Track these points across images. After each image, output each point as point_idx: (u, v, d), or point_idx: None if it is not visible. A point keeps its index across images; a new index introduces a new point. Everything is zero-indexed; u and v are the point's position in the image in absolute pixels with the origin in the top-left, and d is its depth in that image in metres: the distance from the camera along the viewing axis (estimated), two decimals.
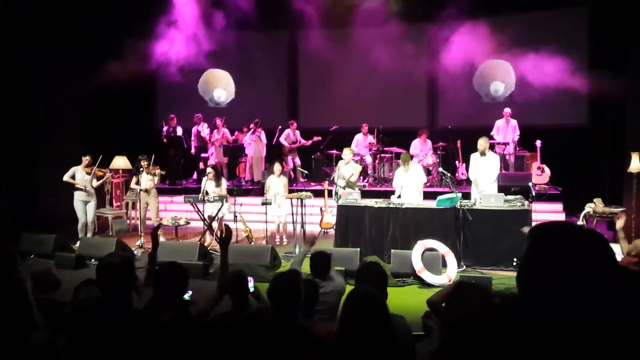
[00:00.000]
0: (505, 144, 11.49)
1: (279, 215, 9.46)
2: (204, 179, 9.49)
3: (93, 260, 8.14)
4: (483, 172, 8.58)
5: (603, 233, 8.99)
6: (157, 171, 9.55)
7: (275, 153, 12.57)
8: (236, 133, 13.12)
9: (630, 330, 1.74)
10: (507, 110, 11.57)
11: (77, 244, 8.98)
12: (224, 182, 9.60)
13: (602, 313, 1.32)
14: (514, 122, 11.58)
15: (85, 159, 9.34)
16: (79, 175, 9.33)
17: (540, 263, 1.39)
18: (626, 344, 1.35)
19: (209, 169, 9.48)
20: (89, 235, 9.42)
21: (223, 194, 9.16)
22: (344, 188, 9.23)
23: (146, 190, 9.45)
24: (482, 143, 8.66)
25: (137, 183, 9.55)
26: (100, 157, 9.53)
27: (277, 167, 9.56)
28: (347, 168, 9.54)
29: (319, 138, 12.47)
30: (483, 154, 8.63)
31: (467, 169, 9.42)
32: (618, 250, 6.97)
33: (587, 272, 1.32)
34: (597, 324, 1.31)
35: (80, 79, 11.29)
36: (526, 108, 11.69)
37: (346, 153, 9.68)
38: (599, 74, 10.05)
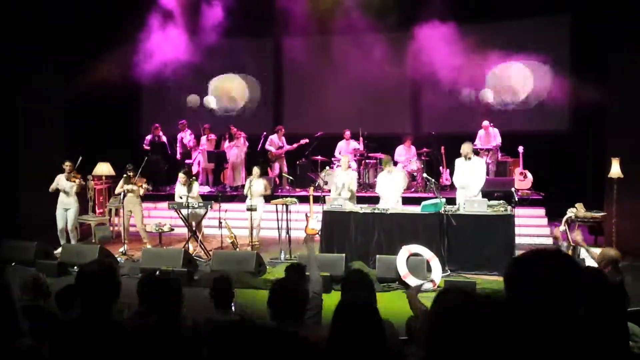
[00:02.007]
0: (489, 150, 11.62)
1: (253, 218, 9.51)
2: (178, 185, 9.53)
3: (75, 267, 8.05)
4: (470, 176, 8.60)
5: (584, 237, 9.12)
6: (144, 185, 9.45)
7: (256, 159, 12.53)
8: (222, 142, 13.11)
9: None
10: (486, 122, 11.75)
11: (57, 251, 8.87)
12: (196, 188, 9.59)
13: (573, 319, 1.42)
14: (493, 131, 11.73)
15: (67, 166, 9.23)
16: (62, 183, 9.24)
17: (520, 288, 1.51)
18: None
19: (180, 175, 9.50)
20: (72, 242, 9.32)
21: (198, 200, 9.34)
22: (339, 195, 9.23)
23: (132, 191, 9.36)
24: (466, 148, 8.69)
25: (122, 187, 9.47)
26: (80, 158, 9.39)
27: (254, 170, 9.67)
28: (345, 175, 9.54)
29: (307, 141, 12.47)
30: (468, 158, 8.68)
31: (451, 174, 9.43)
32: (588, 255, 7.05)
33: (560, 291, 1.43)
34: (570, 329, 1.41)
35: (63, 84, 11.17)
36: (508, 114, 11.84)
37: (344, 160, 9.73)
38: (580, 80, 10.21)
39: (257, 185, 9.51)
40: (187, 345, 2.80)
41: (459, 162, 8.83)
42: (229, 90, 14.32)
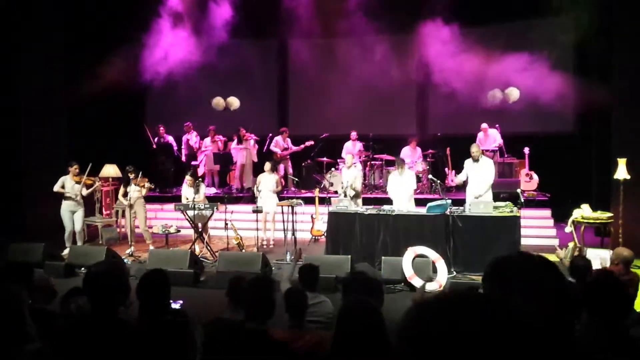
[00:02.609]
0: (494, 151, 11.61)
1: (265, 212, 9.57)
2: (184, 187, 9.57)
3: (83, 268, 8.10)
4: (478, 177, 8.58)
5: (591, 239, 9.10)
6: (146, 184, 9.50)
7: (265, 160, 12.63)
8: (228, 144, 13.16)
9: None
10: (484, 125, 11.75)
11: (65, 252, 8.92)
12: (203, 190, 9.65)
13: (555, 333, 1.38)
14: (493, 132, 11.72)
15: (73, 168, 9.29)
16: (68, 184, 9.27)
17: (495, 290, 1.46)
18: None
19: (187, 177, 9.54)
20: (79, 243, 9.36)
21: (204, 202, 9.39)
22: (345, 194, 9.28)
23: (132, 203, 9.40)
24: (475, 150, 8.67)
25: (125, 195, 9.48)
26: (90, 165, 9.50)
27: (266, 165, 9.81)
28: (349, 173, 9.62)
29: (312, 143, 12.49)
30: (476, 160, 8.66)
31: (457, 173, 9.39)
32: (605, 256, 7.04)
33: (538, 298, 1.38)
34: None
35: (68, 86, 11.23)
36: (514, 115, 11.82)
37: (348, 158, 9.81)
38: (585, 81, 10.18)
39: (268, 180, 9.59)
40: (183, 342, 2.82)
41: (467, 163, 8.81)
42: None
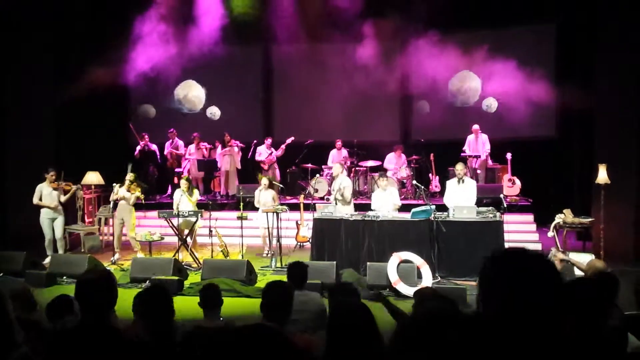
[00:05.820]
0: (477, 156, 11.70)
1: (264, 227, 9.47)
2: (177, 191, 9.48)
3: (65, 277, 8.00)
4: (461, 199, 8.61)
5: (572, 243, 9.19)
6: (137, 193, 9.39)
7: (250, 167, 12.58)
8: (213, 151, 13.09)
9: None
10: (476, 126, 11.83)
11: (46, 261, 8.79)
12: (197, 194, 9.60)
13: (550, 326, 1.40)
14: (483, 136, 11.81)
15: (50, 175, 9.18)
16: (46, 192, 9.16)
17: (492, 285, 1.49)
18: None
19: (182, 182, 9.47)
20: (60, 252, 9.24)
21: (196, 209, 9.28)
22: (335, 202, 9.24)
23: (123, 198, 9.29)
24: (460, 169, 8.71)
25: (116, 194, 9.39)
26: (62, 172, 9.38)
27: (264, 180, 9.71)
28: (337, 181, 9.59)
29: (292, 139, 12.35)
30: (461, 180, 8.70)
31: (442, 192, 9.37)
32: (585, 259, 7.11)
33: (533, 291, 1.41)
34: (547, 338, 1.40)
35: (52, 93, 11.09)
36: (496, 121, 11.94)
37: (335, 168, 9.74)
38: (567, 87, 10.32)
39: (266, 195, 9.52)
40: (180, 354, 2.80)
41: (451, 184, 8.87)
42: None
